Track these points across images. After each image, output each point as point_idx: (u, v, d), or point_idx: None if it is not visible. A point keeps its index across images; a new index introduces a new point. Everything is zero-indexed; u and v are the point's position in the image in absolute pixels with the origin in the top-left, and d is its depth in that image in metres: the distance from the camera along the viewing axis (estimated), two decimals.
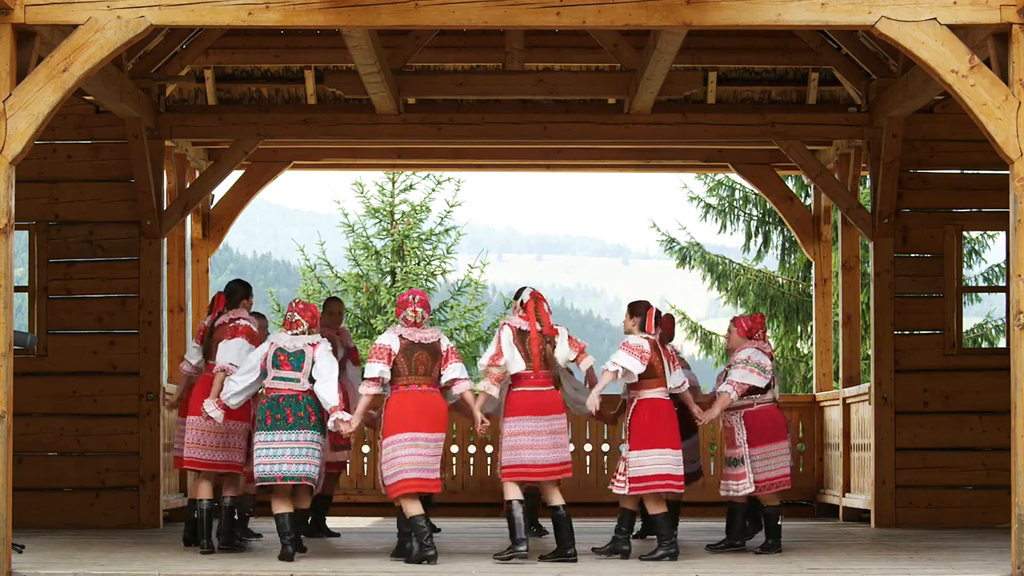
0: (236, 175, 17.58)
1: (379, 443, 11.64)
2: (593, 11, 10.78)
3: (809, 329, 26.27)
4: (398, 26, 11.13)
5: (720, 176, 27.11)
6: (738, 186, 27.34)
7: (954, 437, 15.61)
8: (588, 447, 17.77)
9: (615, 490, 11.84)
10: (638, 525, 13.70)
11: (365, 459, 17.66)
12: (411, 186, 29.25)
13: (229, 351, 12.27)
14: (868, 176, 16.00)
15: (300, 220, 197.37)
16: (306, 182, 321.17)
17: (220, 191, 17.64)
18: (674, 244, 27.93)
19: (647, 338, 11.86)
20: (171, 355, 16.78)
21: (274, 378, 11.82)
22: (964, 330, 16.86)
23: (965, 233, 17.07)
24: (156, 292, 15.40)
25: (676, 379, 12.05)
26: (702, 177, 27.85)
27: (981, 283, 25.59)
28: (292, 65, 16.39)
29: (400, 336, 11.53)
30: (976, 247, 25.64)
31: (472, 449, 17.68)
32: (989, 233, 24.75)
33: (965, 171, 15.88)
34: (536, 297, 11.77)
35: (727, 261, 27.66)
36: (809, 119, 16.06)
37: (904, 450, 15.55)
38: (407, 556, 11.47)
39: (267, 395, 11.81)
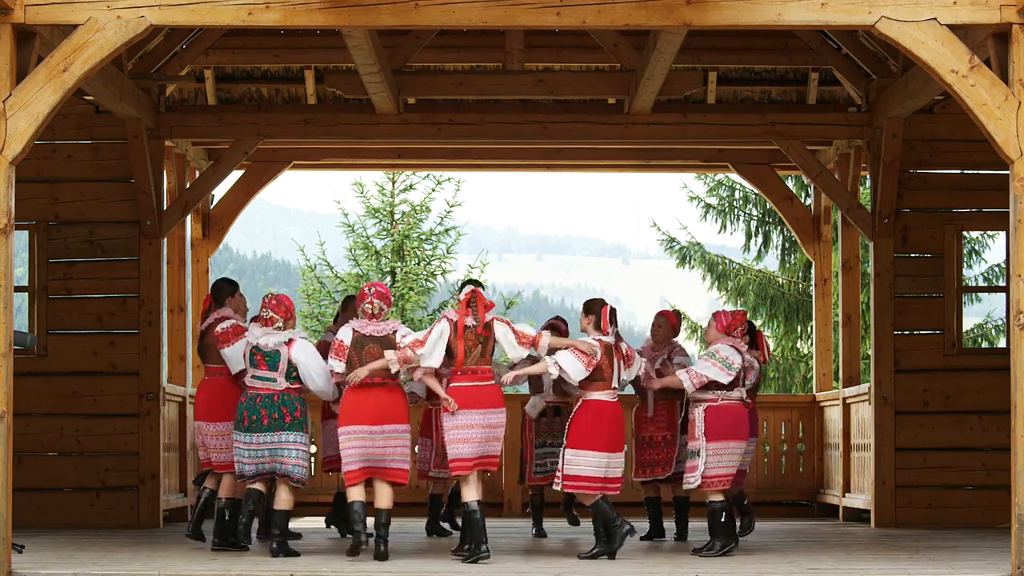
0: (236, 175, 17.58)
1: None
2: (593, 11, 10.77)
3: (809, 329, 26.26)
4: (398, 26, 11.13)
5: (720, 176, 27.10)
6: (738, 186, 27.34)
7: (954, 437, 15.61)
8: None
9: (554, 487, 11.94)
10: (645, 527, 13.72)
11: None
12: (411, 186, 29.25)
13: (236, 357, 12.33)
14: (868, 176, 16.00)
15: (300, 220, 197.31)
16: (306, 182, 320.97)
17: (220, 191, 17.65)
18: (674, 244, 27.93)
19: (600, 340, 11.83)
20: (171, 355, 16.79)
21: (252, 377, 11.91)
22: (964, 330, 16.86)
23: (965, 233, 17.08)
24: (156, 292, 15.40)
25: (631, 374, 12.00)
26: (702, 177, 27.85)
27: (981, 283, 25.58)
28: (292, 65, 16.39)
29: (354, 330, 11.67)
30: (976, 247, 25.63)
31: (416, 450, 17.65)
32: (989, 233, 24.74)
33: (965, 171, 15.88)
34: (475, 293, 11.75)
35: (727, 261, 27.66)
36: (809, 119, 16.05)
37: (904, 450, 15.55)
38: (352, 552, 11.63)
39: (247, 394, 11.92)
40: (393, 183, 29.23)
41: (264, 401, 11.85)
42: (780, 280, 27.17)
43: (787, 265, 27.20)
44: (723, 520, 11.99)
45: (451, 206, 29.45)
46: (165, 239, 15.74)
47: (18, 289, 14.98)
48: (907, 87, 14.40)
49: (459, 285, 12.11)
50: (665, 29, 12.39)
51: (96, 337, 15.40)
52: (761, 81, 16.77)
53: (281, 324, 11.94)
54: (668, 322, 13.58)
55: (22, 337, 11.49)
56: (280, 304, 11.98)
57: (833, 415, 17.38)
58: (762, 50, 15.98)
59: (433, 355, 11.51)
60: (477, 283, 11.90)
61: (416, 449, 14.30)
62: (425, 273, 28.90)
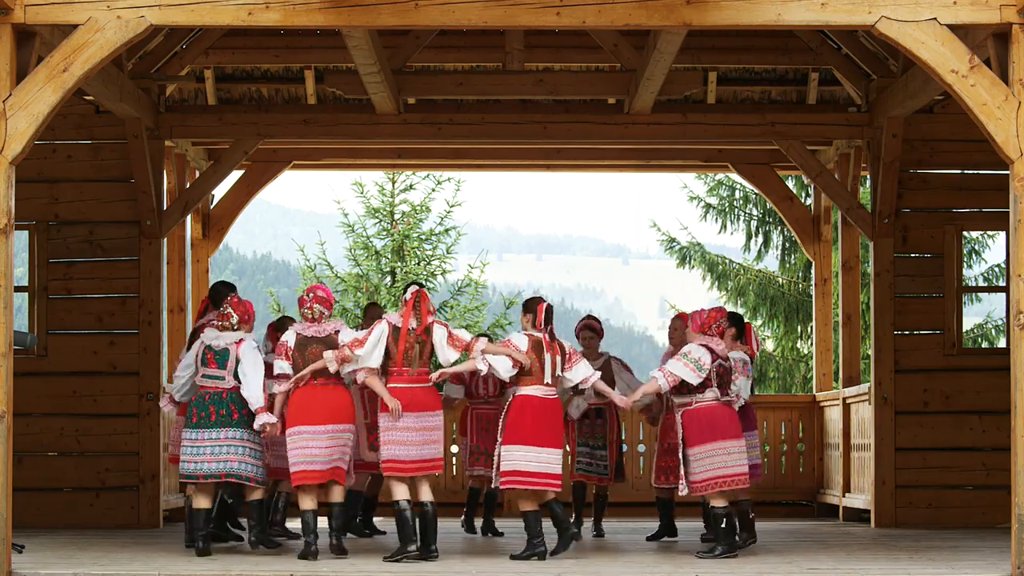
0: (236, 175, 17.59)
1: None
2: (593, 11, 10.78)
3: (809, 329, 26.25)
4: (398, 26, 11.13)
5: (720, 176, 27.09)
6: (738, 186, 27.32)
7: (954, 437, 15.61)
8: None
9: (491, 485, 11.98)
10: (655, 527, 13.74)
11: None
12: (411, 186, 29.20)
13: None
14: (868, 176, 16.00)
15: (300, 220, 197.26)
16: (306, 182, 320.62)
17: (220, 191, 17.65)
18: (674, 244, 27.91)
19: (530, 335, 11.84)
20: (171, 355, 16.77)
21: (203, 376, 12.08)
22: (964, 330, 16.87)
23: (965, 233, 17.08)
24: (156, 292, 15.40)
25: (578, 373, 11.98)
26: (702, 177, 27.83)
27: (981, 283, 25.57)
28: (292, 65, 16.39)
29: (296, 332, 11.83)
30: (976, 247, 25.61)
31: (455, 449, 17.69)
32: (989, 233, 24.72)
33: (965, 171, 15.88)
34: (420, 294, 11.79)
35: (727, 261, 27.64)
36: (809, 119, 16.06)
37: (904, 450, 15.55)
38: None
39: (197, 392, 12.09)
40: (393, 183, 29.20)
41: (213, 398, 12.01)
42: (780, 280, 27.16)
43: (787, 265, 27.19)
44: (724, 526, 11.88)
45: (451, 206, 29.41)
46: (165, 239, 15.75)
47: (18, 289, 14.98)
48: (907, 87, 14.40)
49: (403, 286, 12.22)
50: (665, 29, 12.39)
51: (96, 337, 15.41)
52: (761, 81, 16.77)
53: (235, 323, 12.09)
54: (683, 325, 13.53)
55: (22, 337, 11.50)
56: (240, 304, 12.19)
57: (833, 415, 17.38)
58: (762, 50, 15.98)
59: (372, 356, 11.61)
60: (421, 284, 12.01)
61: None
62: (425, 273, 28.86)
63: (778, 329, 27.07)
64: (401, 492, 11.59)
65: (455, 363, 11.82)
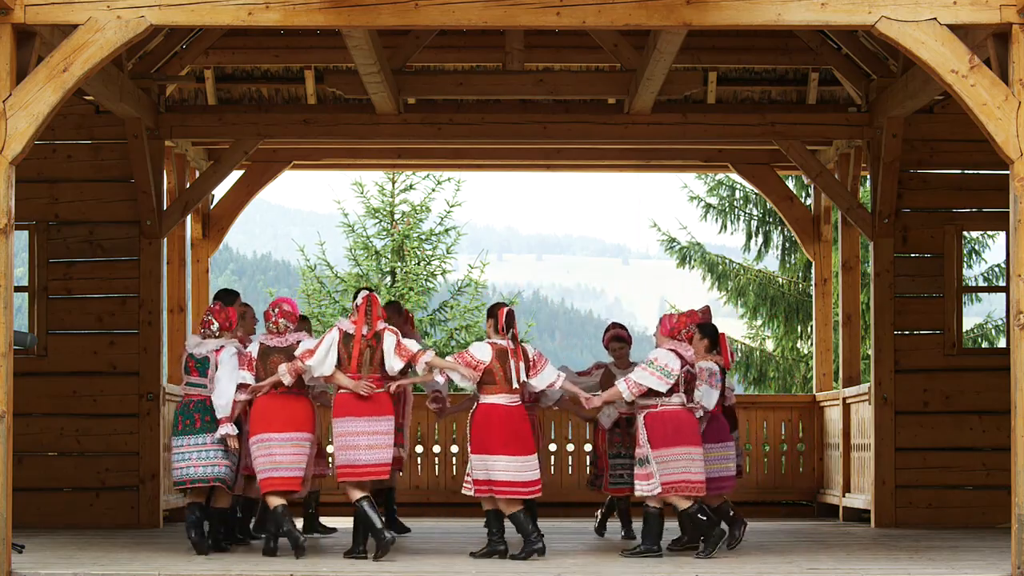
0: (236, 175, 17.59)
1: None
2: (593, 11, 10.78)
3: (809, 329, 26.27)
4: (398, 26, 11.13)
5: (720, 176, 27.11)
6: (738, 186, 27.34)
7: (954, 437, 15.61)
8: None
9: (463, 491, 11.97)
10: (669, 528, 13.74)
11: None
12: (411, 186, 29.24)
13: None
14: (868, 176, 16.00)
15: (300, 220, 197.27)
16: (306, 182, 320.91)
17: (220, 191, 17.65)
18: (674, 244, 27.92)
19: (494, 343, 11.84)
20: (171, 355, 16.79)
21: (187, 384, 12.20)
22: (964, 330, 16.87)
23: (965, 233, 17.08)
24: (156, 292, 15.41)
25: (543, 380, 11.96)
26: (702, 177, 27.85)
27: (981, 283, 25.59)
28: (292, 65, 16.39)
29: (260, 343, 12.01)
30: (976, 247, 25.63)
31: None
32: (989, 233, 24.74)
33: (965, 171, 15.88)
34: (370, 299, 11.84)
35: (727, 261, 27.66)
36: (809, 119, 16.06)
37: (904, 450, 15.55)
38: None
39: (181, 400, 12.21)
40: (393, 183, 29.23)
41: (197, 406, 12.12)
42: (780, 280, 27.17)
43: (787, 265, 27.20)
44: (703, 519, 11.82)
45: (451, 206, 29.44)
46: (165, 239, 15.75)
47: (18, 289, 14.98)
48: (907, 87, 14.40)
49: (354, 292, 12.31)
50: (665, 29, 12.39)
51: (96, 337, 15.41)
52: (761, 81, 16.77)
53: (215, 330, 12.19)
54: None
55: (22, 337, 11.50)
56: (222, 311, 12.29)
57: (833, 415, 17.38)
58: (762, 50, 15.98)
59: (324, 365, 11.72)
60: (372, 290, 12.05)
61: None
62: (425, 273, 28.89)
63: (778, 329, 27.09)
64: (357, 493, 11.70)
65: (401, 372, 11.90)
